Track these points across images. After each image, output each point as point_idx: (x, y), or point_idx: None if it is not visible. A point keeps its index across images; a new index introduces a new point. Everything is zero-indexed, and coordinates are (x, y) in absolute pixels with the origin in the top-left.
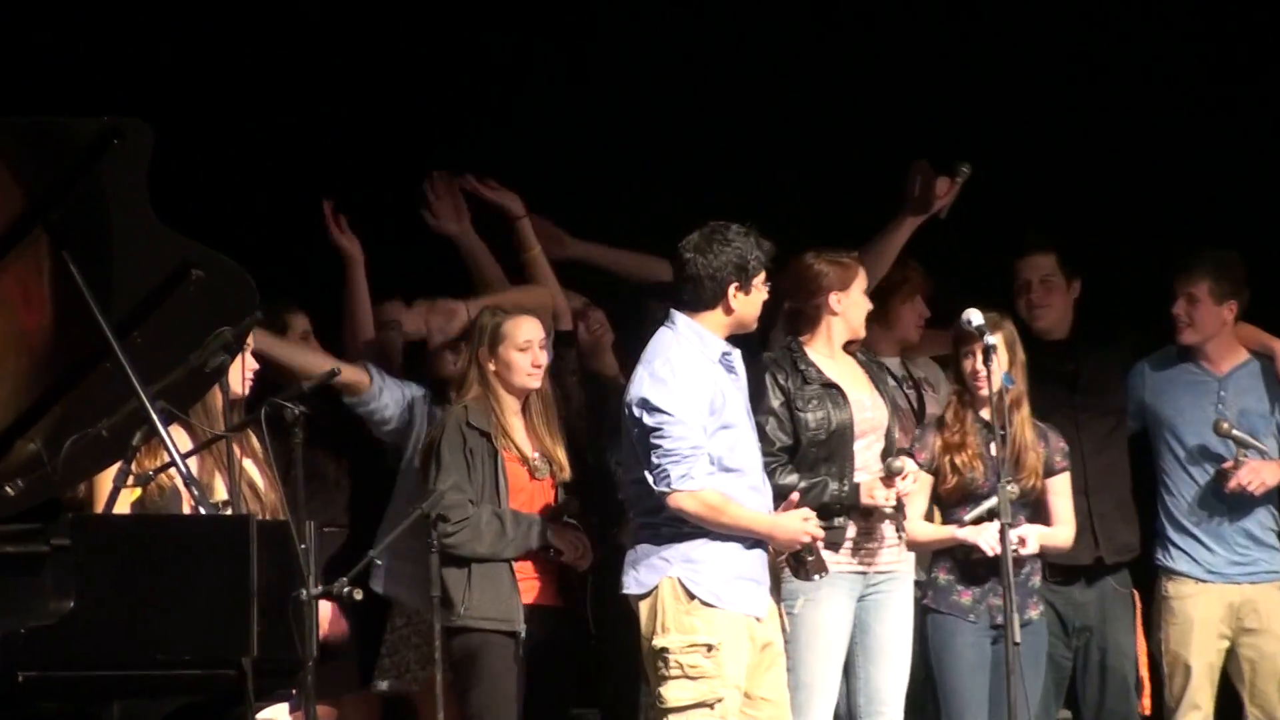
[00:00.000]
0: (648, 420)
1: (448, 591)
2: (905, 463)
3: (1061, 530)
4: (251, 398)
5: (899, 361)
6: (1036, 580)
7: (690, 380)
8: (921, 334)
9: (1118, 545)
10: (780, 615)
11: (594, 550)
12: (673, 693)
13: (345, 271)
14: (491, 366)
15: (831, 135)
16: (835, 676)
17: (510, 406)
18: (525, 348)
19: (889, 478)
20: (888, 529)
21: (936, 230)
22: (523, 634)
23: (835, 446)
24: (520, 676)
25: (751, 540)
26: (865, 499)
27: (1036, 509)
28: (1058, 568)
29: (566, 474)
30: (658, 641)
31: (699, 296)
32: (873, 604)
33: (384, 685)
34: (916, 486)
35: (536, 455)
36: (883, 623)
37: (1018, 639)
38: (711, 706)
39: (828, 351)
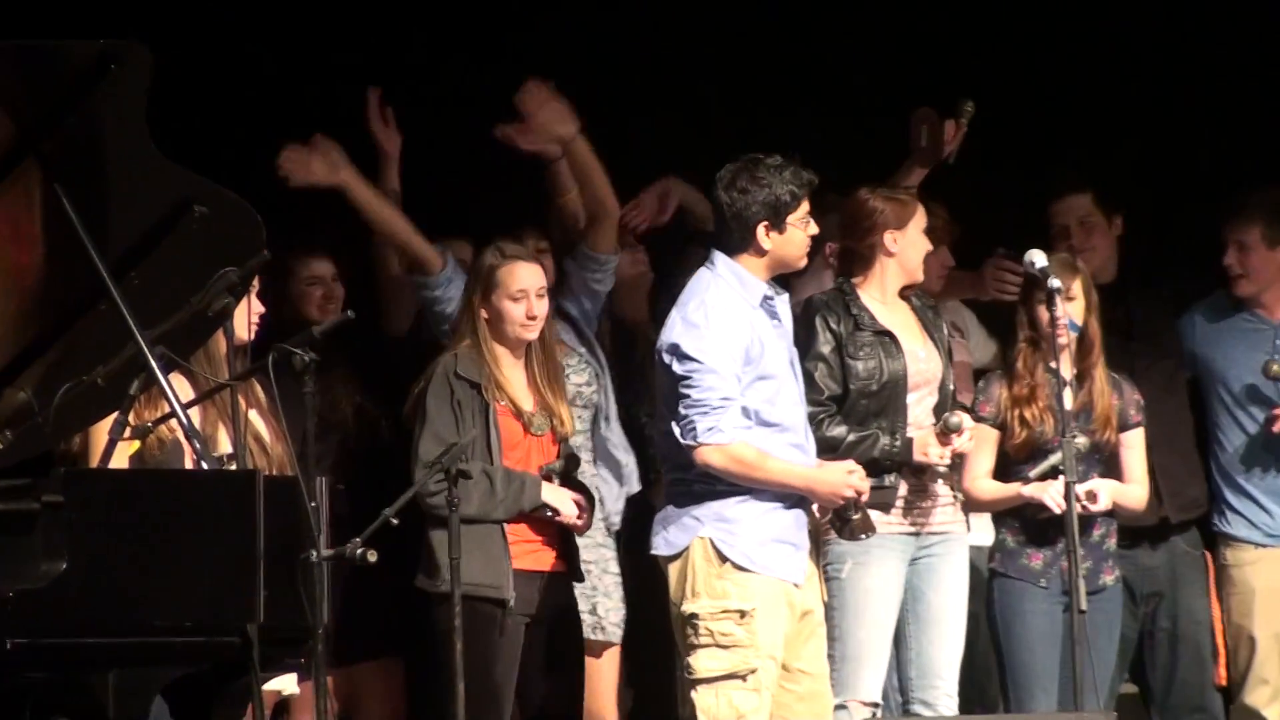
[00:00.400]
0: (677, 368)
1: (432, 555)
2: (963, 419)
3: (1135, 489)
4: (257, 343)
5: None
6: (1113, 543)
7: (725, 326)
8: (945, 281)
9: (1184, 501)
10: (820, 581)
11: (592, 512)
12: (703, 662)
13: (380, 167)
14: (484, 314)
15: (853, 77)
16: (885, 647)
17: (505, 357)
18: (519, 296)
19: (945, 434)
20: (941, 488)
21: (964, 171)
22: (511, 601)
23: (887, 399)
24: (512, 647)
25: (792, 499)
26: (918, 456)
27: (1110, 465)
28: (1122, 529)
29: (569, 429)
30: (687, 607)
31: (731, 236)
32: (925, 568)
33: None
34: (973, 445)
35: (534, 410)
36: (937, 589)
37: (1084, 606)
38: (744, 678)
39: (881, 296)
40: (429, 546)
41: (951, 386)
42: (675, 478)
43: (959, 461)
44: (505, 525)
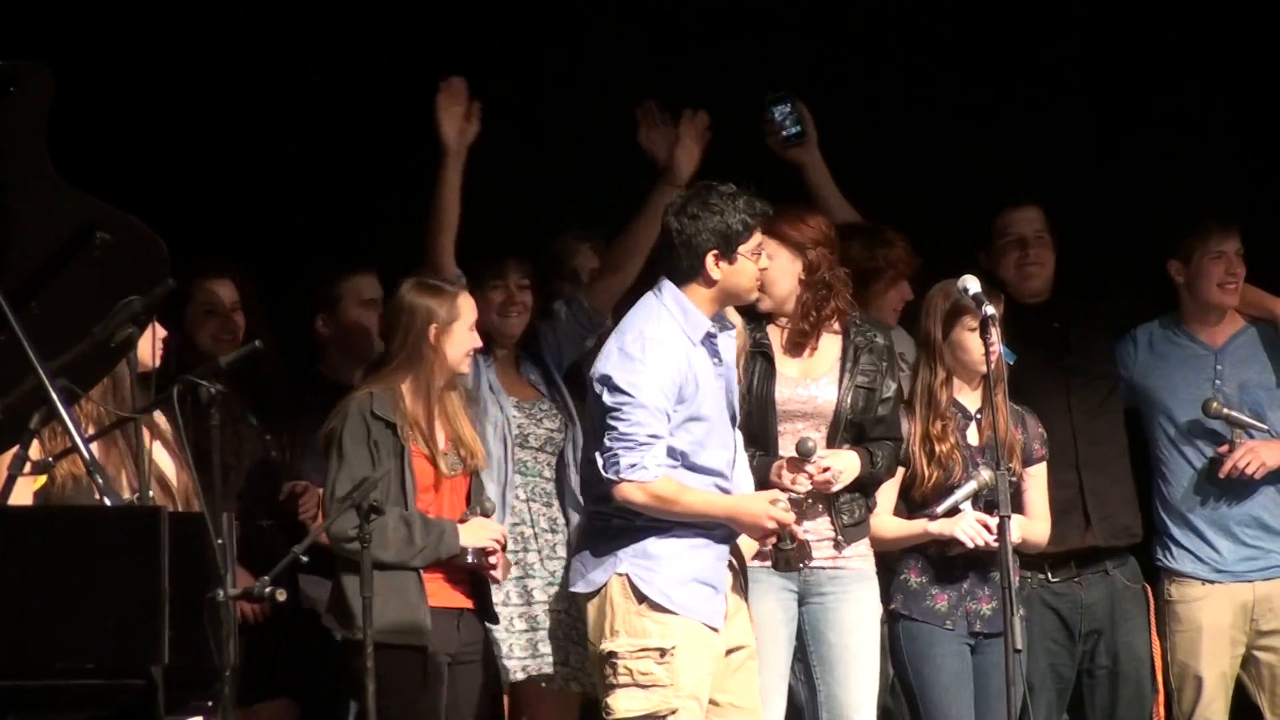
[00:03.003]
0: (607, 399)
1: (345, 601)
2: (818, 446)
3: (1037, 525)
4: (160, 372)
5: None
6: (1017, 579)
7: (661, 363)
8: (897, 316)
9: (1114, 527)
10: (749, 612)
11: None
12: (622, 702)
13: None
14: (445, 342)
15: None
16: (777, 686)
17: (436, 393)
18: (473, 327)
19: (800, 461)
20: (821, 524)
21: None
22: (430, 647)
23: (757, 422)
24: (434, 691)
25: (714, 538)
26: (772, 478)
27: (1012, 499)
28: (1055, 561)
29: (480, 462)
30: (605, 645)
31: (678, 266)
32: (820, 609)
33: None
34: (836, 482)
35: (446, 449)
36: (835, 629)
37: (1019, 645)
38: (664, 718)
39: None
40: (340, 590)
41: (853, 420)
42: (594, 510)
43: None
44: (420, 571)
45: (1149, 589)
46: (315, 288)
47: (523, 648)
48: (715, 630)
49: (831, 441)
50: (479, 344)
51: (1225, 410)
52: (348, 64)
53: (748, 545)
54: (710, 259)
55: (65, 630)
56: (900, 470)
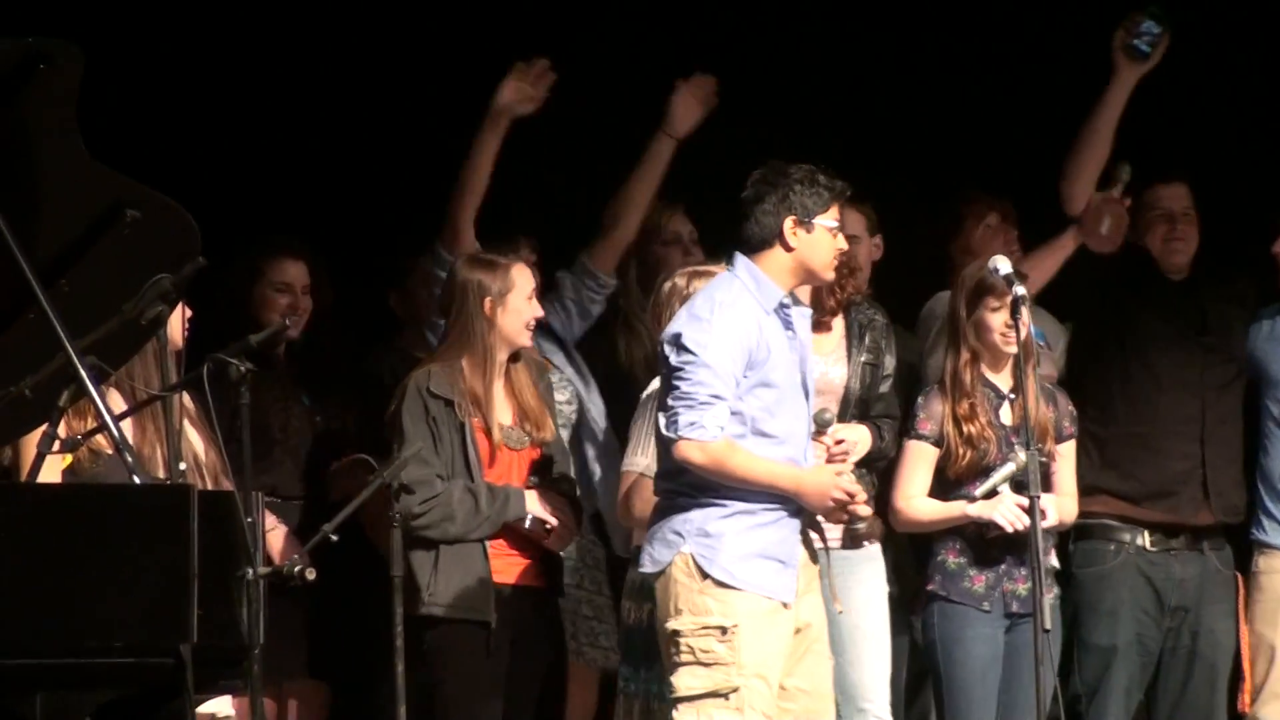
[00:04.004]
0: (674, 359)
1: (413, 576)
2: (833, 417)
3: (1066, 503)
4: (189, 350)
5: None
6: (1052, 559)
7: (730, 324)
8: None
9: (1226, 504)
10: (826, 591)
11: (577, 520)
12: (684, 680)
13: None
14: (500, 314)
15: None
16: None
17: (498, 366)
18: (531, 296)
19: (816, 432)
20: (863, 507)
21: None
22: (494, 624)
23: None
24: (495, 669)
25: (782, 514)
26: None
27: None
28: (1162, 528)
29: (549, 434)
30: (670, 624)
31: (755, 234)
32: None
33: None
34: (851, 454)
35: (513, 423)
36: (848, 610)
37: (1048, 625)
38: (726, 697)
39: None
40: (411, 570)
41: (861, 398)
42: (664, 488)
43: (863, 485)
44: (487, 544)
45: (1240, 577)
46: (383, 264)
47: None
48: (786, 606)
49: (842, 418)
50: (540, 313)
51: None
52: (410, 42)
53: None
54: (788, 224)
55: (94, 608)
56: (935, 451)
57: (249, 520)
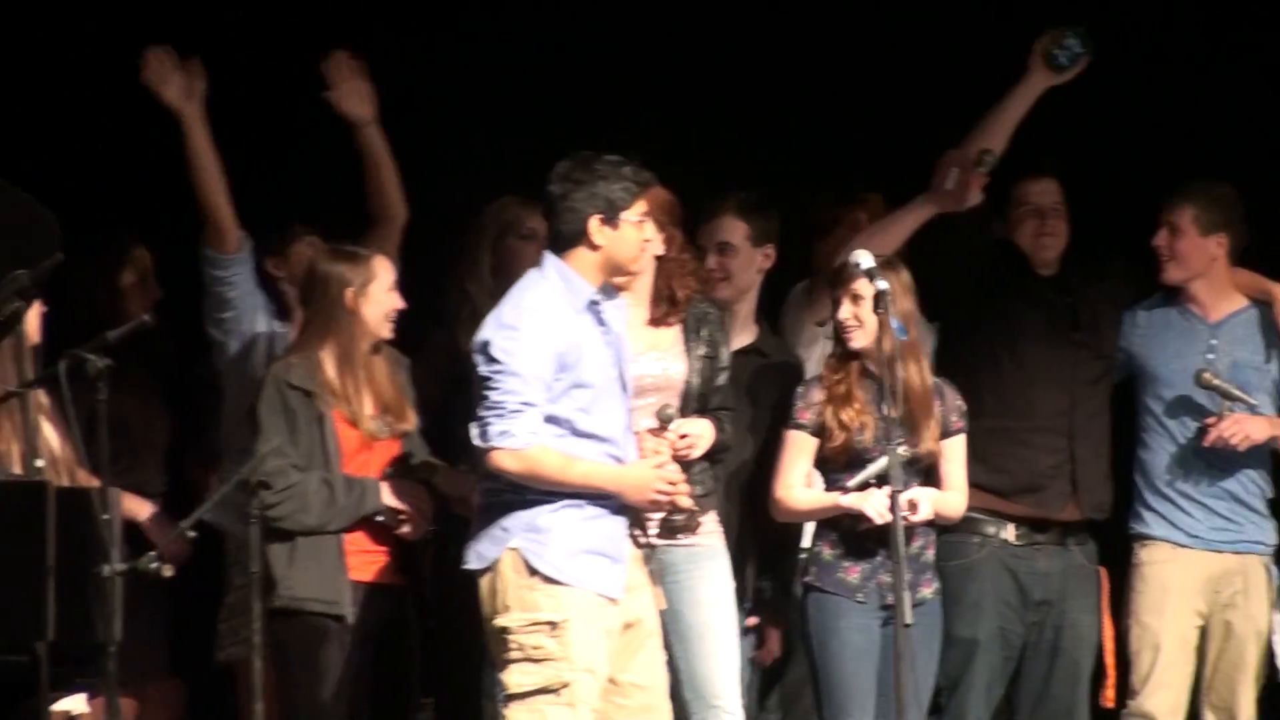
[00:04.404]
0: (483, 369)
1: (269, 568)
2: (676, 412)
3: (954, 497)
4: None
5: None
6: (931, 554)
7: (538, 330)
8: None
9: (1094, 500)
10: (654, 587)
11: (433, 514)
12: (515, 677)
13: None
14: (363, 305)
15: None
16: None
17: (359, 357)
18: (392, 288)
19: (659, 428)
20: (684, 499)
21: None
22: (350, 618)
23: None
24: (351, 665)
25: (610, 510)
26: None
27: (930, 475)
28: (1029, 523)
29: (410, 424)
30: (499, 621)
31: (562, 232)
32: (676, 587)
33: (223, 655)
34: (696, 448)
35: (374, 413)
36: (694, 607)
37: (909, 619)
38: (557, 692)
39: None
40: (266, 561)
41: (701, 392)
42: (488, 488)
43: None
44: (344, 537)
45: (1103, 572)
46: None
47: None
48: (613, 601)
49: (683, 413)
50: (400, 304)
51: (1216, 381)
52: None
53: None
54: (594, 223)
55: None
56: (813, 441)
57: (105, 517)
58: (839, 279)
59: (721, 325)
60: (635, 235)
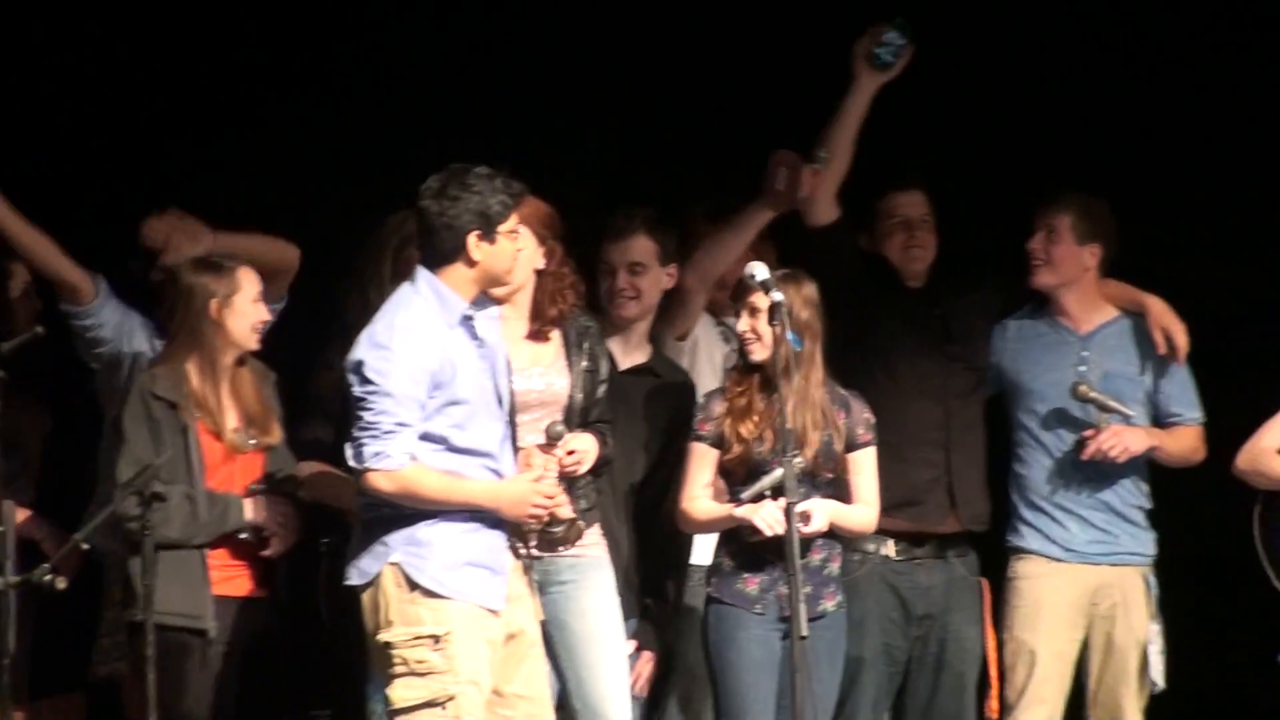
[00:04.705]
0: (357, 389)
1: (131, 582)
2: (564, 429)
3: (862, 511)
4: None
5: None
6: (835, 567)
7: (411, 350)
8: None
9: (972, 512)
10: (535, 598)
11: (298, 528)
12: (400, 692)
13: None
14: (227, 317)
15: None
16: None
17: (224, 369)
18: (257, 299)
19: (548, 444)
20: (563, 510)
21: None
22: (212, 632)
23: None
24: (215, 679)
25: (488, 521)
26: (521, 467)
27: (838, 487)
28: (908, 537)
29: (274, 438)
30: (382, 636)
31: (438, 248)
32: (561, 597)
33: (104, 670)
34: (584, 463)
35: (238, 426)
36: (579, 617)
37: (804, 632)
38: (443, 705)
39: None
40: (127, 575)
41: (587, 409)
42: (366, 502)
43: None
44: (205, 551)
45: (985, 583)
46: None
47: None
48: (495, 613)
49: (567, 427)
50: (266, 316)
51: (1093, 394)
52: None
53: None
54: (472, 239)
55: None
56: (714, 452)
57: (1, 529)
58: (738, 292)
59: (601, 339)
60: (511, 248)
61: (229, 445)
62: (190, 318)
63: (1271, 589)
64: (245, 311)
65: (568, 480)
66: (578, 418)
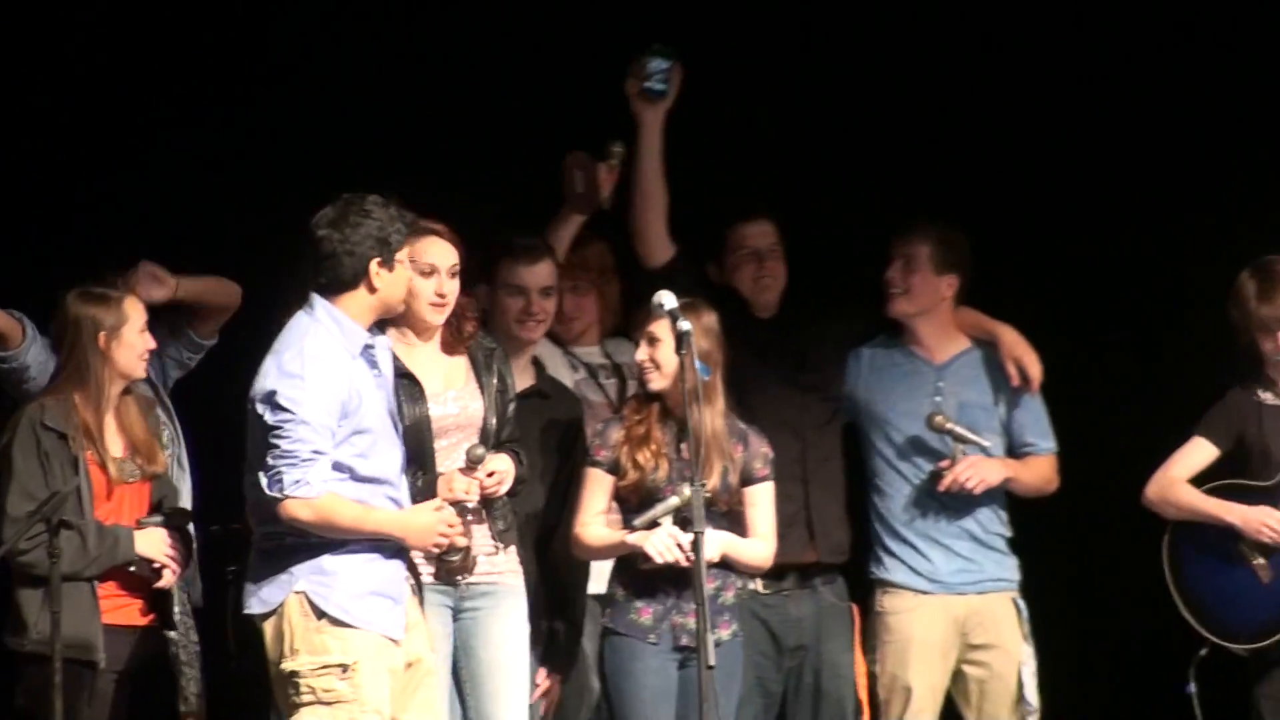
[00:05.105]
0: (270, 418)
1: (20, 612)
2: (485, 452)
3: (757, 545)
4: None
5: (598, 349)
6: (730, 596)
7: (323, 378)
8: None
9: (833, 544)
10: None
11: (187, 556)
12: None
13: None
14: (115, 348)
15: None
16: (442, 701)
17: (110, 400)
18: (143, 330)
19: (469, 468)
20: (479, 533)
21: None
22: (102, 663)
23: (411, 444)
24: (107, 708)
25: (389, 551)
26: (444, 492)
27: (732, 520)
28: (770, 570)
29: (160, 467)
30: (287, 665)
31: (339, 276)
32: (471, 624)
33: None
34: (504, 487)
35: (124, 456)
36: (487, 645)
37: (711, 661)
38: None
39: (403, 340)
40: (16, 604)
41: (499, 429)
42: (267, 531)
43: (504, 512)
44: (96, 582)
45: (854, 608)
46: None
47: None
48: (396, 643)
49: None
50: (152, 345)
51: (949, 424)
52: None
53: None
54: (374, 266)
55: None
56: (610, 478)
57: None
58: (638, 320)
59: (506, 359)
60: (405, 275)
61: (115, 476)
62: (78, 350)
63: (1174, 617)
64: (132, 342)
65: (486, 502)
66: (492, 439)
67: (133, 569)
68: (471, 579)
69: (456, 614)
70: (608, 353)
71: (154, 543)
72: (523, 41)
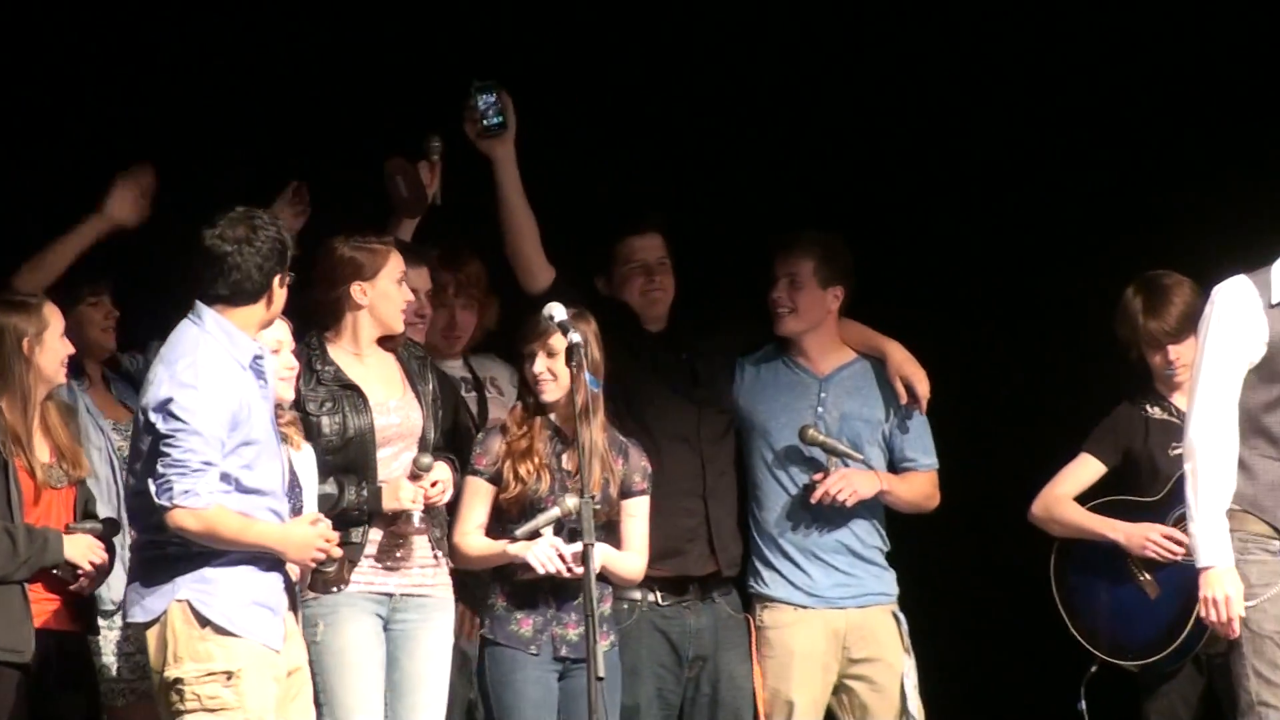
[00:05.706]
0: (162, 426)
1: None
2: (432, 460)
3: (631, 559)
4: None
5: (461, 362)
6: (606, 607)
7: (216, 389)
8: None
9: (728, 557)
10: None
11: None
12: None
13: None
14: (38, 354)
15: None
16: (373, 708)
17: (35, 406)
18: (63, 334)
19: (415, 476)
20: (421, 547)
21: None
22: (33, 665)
23: (355, 454)
24: (34, 712)
25: (269, 562)
26: (389, 502)
27: (610, 532)
28: (671, 583)
29: (85, 472)
30: (170, 672)
31: (242, 290)
32: (400, 634)
33: None
34: (448, 496)
35: (51, 462)
36: (412, 657)
37: (601, 673)
38: None
39: (354, 348)
40: None
41: (434, 437)
42: (149, 539)
43: (440, 520)
44: (26, 585)
45: (750, 619)
46: None
47: (130, 670)
48: (276, 651)
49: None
50: (72, 350)
51: (821, 437)
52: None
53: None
54: (276, 280)
55: None
56: (491, 488)
57: None
58: (532, 333)
59: (435, 367)
60: (283, 292)
61: (43, 481)
62: (2, 357)
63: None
64: (55, 348)
65: (429, 510)
66: (430, 447)
67: (56, 572)
68: (408, 590)
69: (387, 624)
70: (470, 366)
71: (81, 548)
72: (341, 41)
